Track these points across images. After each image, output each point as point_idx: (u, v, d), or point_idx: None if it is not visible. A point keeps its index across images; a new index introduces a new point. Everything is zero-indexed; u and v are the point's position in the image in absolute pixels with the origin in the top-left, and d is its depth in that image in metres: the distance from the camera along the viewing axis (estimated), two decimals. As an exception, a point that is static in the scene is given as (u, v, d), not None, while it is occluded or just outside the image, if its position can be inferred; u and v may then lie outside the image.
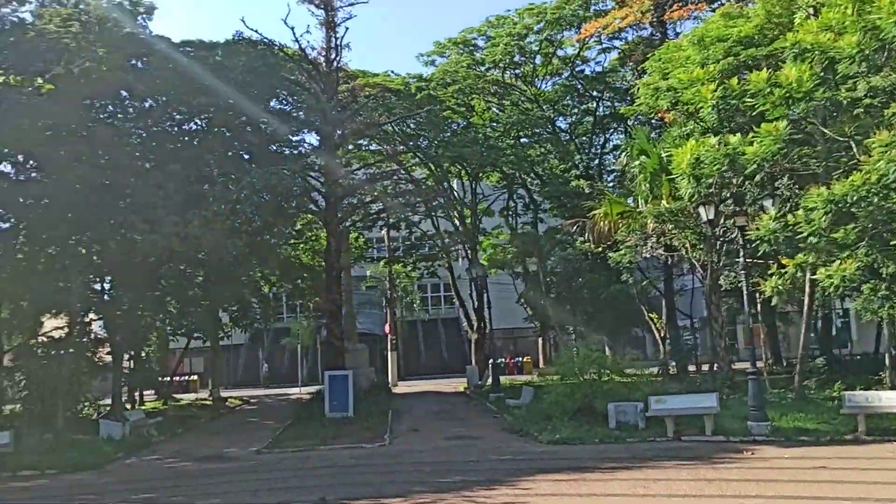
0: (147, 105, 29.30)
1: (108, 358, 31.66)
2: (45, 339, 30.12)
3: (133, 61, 27.82)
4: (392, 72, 36.38)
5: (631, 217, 26.22)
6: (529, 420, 21.87)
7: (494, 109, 39.07)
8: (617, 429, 19.50)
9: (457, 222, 41.00)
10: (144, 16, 29.44)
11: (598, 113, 39.35)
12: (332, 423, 24.45)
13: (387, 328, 45.11)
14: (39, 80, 20.00)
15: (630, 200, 28.17)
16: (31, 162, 27.65)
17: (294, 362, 48.52)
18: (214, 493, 14.90)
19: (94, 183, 24.33)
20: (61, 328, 31.95)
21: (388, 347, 44.29)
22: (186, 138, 29.60)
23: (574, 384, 21.73)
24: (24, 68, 21.51)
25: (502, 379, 34.13)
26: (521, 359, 49.54)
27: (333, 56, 29.72)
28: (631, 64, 36.16)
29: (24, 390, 28.68)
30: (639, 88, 27.09)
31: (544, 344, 47.22)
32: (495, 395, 29.51)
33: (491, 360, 34.08)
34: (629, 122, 35.32)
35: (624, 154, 28.97)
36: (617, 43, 37.83)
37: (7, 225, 28.96)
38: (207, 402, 37.22)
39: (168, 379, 39.81)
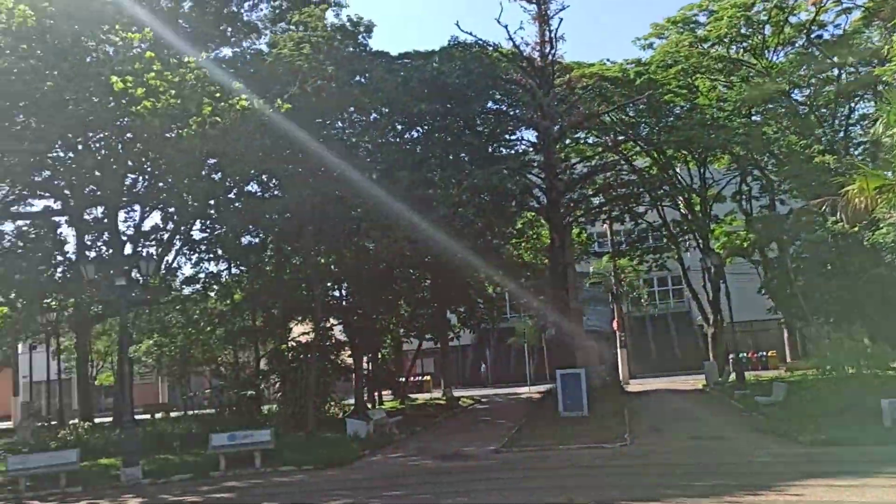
0: (372, 118, 30.66)
1: (349, 360, 33.49)
2: (293, 343, 32.45)
3: (357, 77, 29.18)
4: (608, 60, 35.17)
5: (891, 191, 23.12)
6: (785, 419, 19.95)
7: (721, 88, 36.49)
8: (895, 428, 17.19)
9: (685, 211, 38.88)
10: (364, 34, 30.83)
11: (840, 80, 35.47)
12: (567, 422, 23.96)
13: (614, 325, 43.82)
14: (279, 102, 21.37)
15: (888, 174, 24.89)
16: (273, 180, 29.94)
17: (520, 361, 48.65)
18: (460, 492, 14.89)
19: (329, 195, 25.75)
20: (306, 333, 34.26)
21: (618, 344, 43.00)
22: (409, 146, 30.56)
23: (837, 379, 19.51)
24: (265, 92, 23.14)
25: (745, 375, 31.76)
26: (764, 353, 46.10)
27: (548, 49, 29.27)
28: (878, 22, 32.21)
29: (279, 392, 31.07)
30: (892, 47, 23.93)
31: (790, 336, 43.48)
32: (740, 392, 27.48)
33: (731, 355, 31.83)
34: (879, 87, 31.43)
35: (879, 122, 25.70)
36: (860, 1, 33.86)
37: (257, 240, 31.60)
38: (441, 402, 38.20)
39: (403, 379, 41.35)
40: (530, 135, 33.32)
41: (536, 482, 15.48)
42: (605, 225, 41.53)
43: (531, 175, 31.77)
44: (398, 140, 31.56)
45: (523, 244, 39.45)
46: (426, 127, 31.26)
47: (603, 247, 47.55)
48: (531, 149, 32.58)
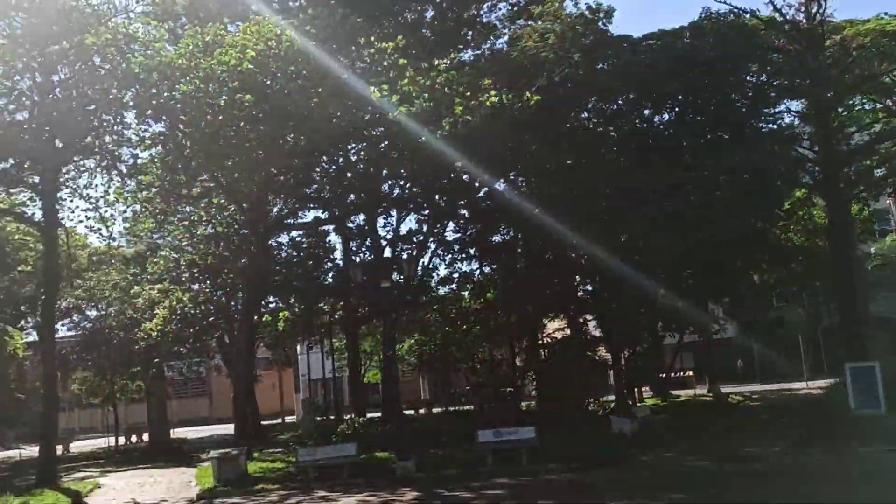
0: (616, 105, 29.56)
1: (606, 356, 32.54)
2: (548, 340, 32.20)
3: (601, 64, 28.24)
4: (885, 13, 30.85)
5: None
6: None
7: None
8: None
9: None
10: (604, 20, 29.83)
11: None
12: (862, 422, 21.23)
13: (906, 312, 38.71)
14: (528, 94, 21.12)
15: None
16: (521, 177, 29.89)
17: (793, 354, 44.54)
18: (750, 498, 13.53)
19: (576, 186, 25.10)
20: (561, 330, 33.86)
21: (912, 334, 37.88)
22: (661, 128, 29.15)
23: None
24: (511, 87, 22.99)
25: None
26: None
27: (815, 9, 26.28)
28: None
29: (536, 388, 31.02)
30: None
31: None
32: None
33: None
34: None
35: None
36: None
37: (507, 238, 31.75)
38: (707, 398, 36.00)
39: (664, 375, 39.58)
40: (796, 105, 30.24)
41: (838, 489, 13.67)
42: (889, 200, 36.76)
43: (801, 149, 28.79)
44: (646, 126, 30.14)
45: (793, 226, 35.93)
46: (677, 109, 29.50)
47: (887, 224, 42.16)
48: (798, 120, 29.56)
